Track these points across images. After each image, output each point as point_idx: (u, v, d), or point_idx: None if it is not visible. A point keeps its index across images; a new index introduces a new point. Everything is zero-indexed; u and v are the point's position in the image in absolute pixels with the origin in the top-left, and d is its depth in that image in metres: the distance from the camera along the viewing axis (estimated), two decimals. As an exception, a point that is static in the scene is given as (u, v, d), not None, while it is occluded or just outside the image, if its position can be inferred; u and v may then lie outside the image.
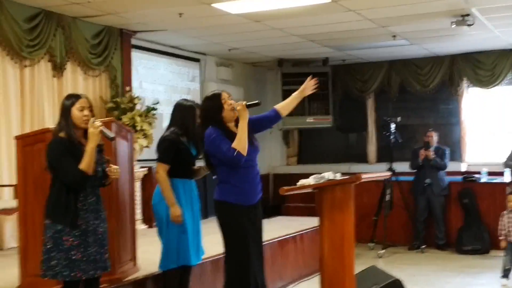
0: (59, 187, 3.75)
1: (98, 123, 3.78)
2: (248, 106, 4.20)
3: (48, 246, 3.74)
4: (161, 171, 4.61)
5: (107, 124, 4.49)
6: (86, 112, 3.81)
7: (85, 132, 3.82)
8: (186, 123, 4.69)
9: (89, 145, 3.73)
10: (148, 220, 8.07)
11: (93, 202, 3.84)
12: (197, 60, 10.18)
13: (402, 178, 9.06)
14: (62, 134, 3.79)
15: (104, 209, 3.99)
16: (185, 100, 4.93)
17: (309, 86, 4.48)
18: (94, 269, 3.82)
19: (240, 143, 4.10)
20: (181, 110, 4.75)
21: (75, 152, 3.74)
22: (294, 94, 4.50)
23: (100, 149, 3.91)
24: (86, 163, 3.71)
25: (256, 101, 4.33)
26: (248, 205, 4.25)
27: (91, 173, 3.75)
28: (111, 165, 3.95)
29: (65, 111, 3.81)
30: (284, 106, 4.51)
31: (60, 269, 3.71)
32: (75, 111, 3.79)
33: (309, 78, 4.47)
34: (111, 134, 3.89)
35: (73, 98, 3.86)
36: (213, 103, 4.26)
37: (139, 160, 7.76)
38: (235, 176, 4.19)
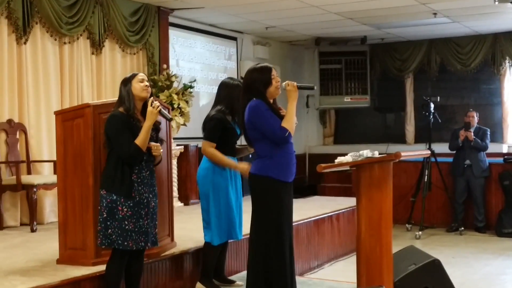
0: (116, 160, 3.90)
1: (157, 103, 3.94)
2: (299, 88, 4.11)
3: (104, 216, 3.89)
4: (208, 147, 4.62)
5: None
6: (146, 83, 4.00)
7: (142, 109, 3.98)
8: (232, 102, 4.67)
9: (146, 123, 3.90)
10: (184, 197, 8.13)
11: (147, 176, 3.99)
12: (234, 39, 10.14)
13: (440, 159, 8.92)
14: (121, 109, 3.94)
15: (156, 185, 4.12)
16: (231, 78, 4.92)
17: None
18: (145, 241, 3.96)
19: (290, 124, 4.04)
20: (227, 89, 4.74)
21: (132, 128, 3.89)
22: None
23: (157, 128, 4.07)
24: (141, 140, 3.86)
25: (311, 85, 4.26)
26: (287, 181, 4.15)
27: (145, 150, 3.89)
28: (154, 143, 4.00)
29: (127, 89, 3.96)
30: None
31: (116, 238, 3.86)
32: (135, 84, 3.97)
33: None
34: (169, 115, 4.08)
35: (131, 76, 4.04)
36: (262, 76, 4.13)
37: (175, 138, 7.79)
38: (278, 151, 4.08)
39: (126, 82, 4.01)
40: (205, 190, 4.68)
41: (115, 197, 3.87)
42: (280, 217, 4.11)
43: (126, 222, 3.87)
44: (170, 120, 4.12)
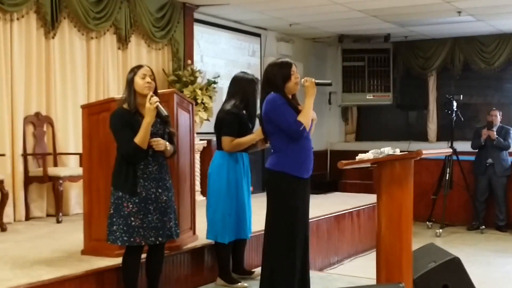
0: (121, 157, 3.89)
1: (155, 98, 3.86)
2: (317, 84, 4.11)
3: (111, 212, 3.89)
4: (229, 142, 4.62)
5: (169, 95, 4.60)
6: (148, 79, 3.91)
7: None
8: (247, 96, 4.68)
9: (145, 120, 3.83)
10: (206, 191, 8.17)
11: (154, 170, 3.93)
12: (257, 35, 10.19)
13: (462, 157, 8.90)
14: (125, 106, 3.92)
15: (169, 178, 4.08)
16: (245, 73, 4.89)
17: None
18: (156, 236, 3.92)
19: (306, 119, 4.03)
20: (242, 83, 4.74)
21: (135, 124, 3.84)
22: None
23: (165, 120, 4.00)
24: (140, 137, 3.81)
25: (328, 81, 4.26)
26: (303, 177, 4.12)
27: (145, 147, 3.83)
28: (154, 139, 3.90)
29: (129, 82, 3.94)
30: None
31: (120, 234, 3.85)
32: (138, 79, 3.91)
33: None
34: (165, 111, 3.92)
35: (135, 68, 3.98)
36: (281, 70, 4.12)
37: (198, 133, 7.87)
38: (294, 146, 4.07)
39: (129, 73, 3.95)
40: (217, 187, 4.66)
41: (121, 194, 3.86)
42: (293, 213, 4.09)
43: (132, 218, 3.84)
44: (164, 116, 3.92)
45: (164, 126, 4.02)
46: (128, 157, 3.84)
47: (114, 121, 3.89)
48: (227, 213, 4.64)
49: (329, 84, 4.26)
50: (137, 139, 3.80)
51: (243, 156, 4.76)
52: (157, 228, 3.92)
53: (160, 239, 3.96)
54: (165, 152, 4.00)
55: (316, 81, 4.13)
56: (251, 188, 4.90)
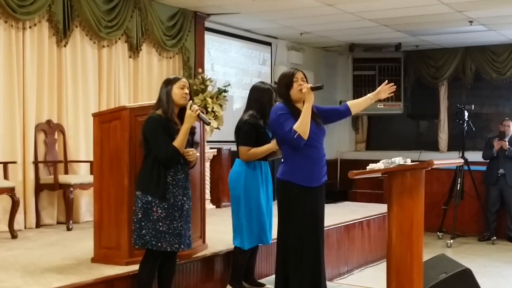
0: (152, 161, 3.95)
1: (196, 106, 3.99)
2: (312, 89, 4.15)
3: (139, 216, 3.94)
4: (246, 152, 4.66)
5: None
6: (186, 90, 4.04)
7: (179, 113, 4.04)
8: (263, 106, 4.72)
9: (184, 126, 3.95)
10: (216, 200, 8.20)
11: (182, 178, 4.03)
12: (268, 44, 10.21)
13: (474, 167, 8.85)
14: (159, 112, 4.00)
15: (190, 187, 4.16)
16: (262, 83, 4.95)
17: (384, 90, 4.35)
18: (179, 243, 4.00)
19: (301, 126, 4.04)
20: (258, 93, 4.78)
21: (169, 130, 3.94)
22: (369, 96, 4.39)
23: (192, 131, 4.10)
24: (179, 142, 3.92)
25: (320, 84, 4.30)
26: (311, 186, 4.15)
27: (182, 152, 3.95)
28: (187, 149, 4.03)
29: (167, 91, 4.02)
30: (355, 105, 4.44)
31: (150, 239, 3.92)
32: (176, 90, 4.02)
33: (385, 83, 4.36)
34: (207, 119, 4.13)
35: (174, 79, 4.09)
36: (284, 79, 4.22)
37: (208, 142, 7.88)
38: (297, 155, 4.10)
39: (167, 84, 4.05)
40: (236, 194, 4.72)
41: (150, 198, 3.92)
42: (300, 223, 4.12)
43: (160, 224, 3.92)
44: (208, 124, 4.18)
45: (192, 136, 4.12)
46: (168, 160, 3.92)
47: (152, 126, 3.95)
48: (246, 219, 4.69)
49: (321, 87, 4.27)
50: (176, 143, 3.91)
51: (262, 164, 4.80)
52: (181, 235, 4.01)
53: (182, 246, 4.04)
54: (192, 162, 4.12)
55: (311, 86, 4.16)
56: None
